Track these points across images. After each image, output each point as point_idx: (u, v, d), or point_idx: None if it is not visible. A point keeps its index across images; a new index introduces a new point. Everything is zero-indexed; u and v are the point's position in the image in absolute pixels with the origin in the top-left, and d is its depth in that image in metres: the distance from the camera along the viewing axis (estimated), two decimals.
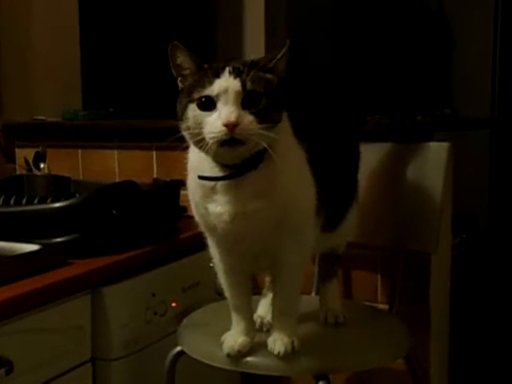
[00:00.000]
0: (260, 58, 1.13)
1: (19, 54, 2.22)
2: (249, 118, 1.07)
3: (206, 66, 1.12)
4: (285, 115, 1.15)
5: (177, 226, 1.74)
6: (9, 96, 2.18)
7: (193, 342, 1.38)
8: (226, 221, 1.15)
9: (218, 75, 1.09)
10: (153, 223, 1.65)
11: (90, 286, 1.41)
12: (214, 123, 1.06)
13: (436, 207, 1.50)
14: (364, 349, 1.33)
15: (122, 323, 1.46)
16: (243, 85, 1.08)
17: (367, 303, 1.70)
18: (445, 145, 1.52)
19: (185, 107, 1.10)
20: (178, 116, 1.12)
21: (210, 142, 1.07)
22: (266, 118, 1.08)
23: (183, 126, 1.11)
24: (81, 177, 2.09)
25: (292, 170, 1.17)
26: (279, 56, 1.12)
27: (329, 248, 1.42)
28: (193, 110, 1.09)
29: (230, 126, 1.05)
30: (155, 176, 1.97)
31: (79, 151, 2.13)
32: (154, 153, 2.02)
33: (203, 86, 1.09)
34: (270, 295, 1.40)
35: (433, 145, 1.54)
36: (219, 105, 1.07)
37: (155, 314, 1.55)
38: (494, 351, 2.28)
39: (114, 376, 1.45)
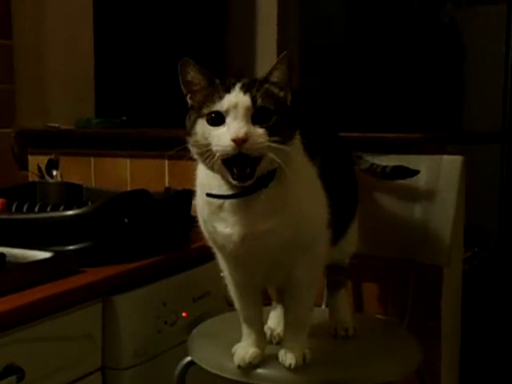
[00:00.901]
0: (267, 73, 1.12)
1: (33, 61, 2.24)
2: (258, 132, 1.06)
3: (217, 81, 1.11)
4: (296, 132, 1.14)
5: (188, 235, 1.74)
6: (23, 103, 2.20)
7: (203, 353, 1.37)
8: (236, 242, 1.13)
9: (228, 91, 1.08)
10: (164, 232, 1.65)
11: (102, 294, 1.41)
12: (223, 137, 1.05)
13: (449, 221, 1.49)
14: (375, 362, 1.32)
15: (133, 332, 1.45)
16: (253, 101, 1.07)
17: (378, 316, 1.69)
18: (458, 158, 1.52)
19: (194, 122, 1.10)
20: (186, 131, 1.11)
21: (217, 154, 1.06)
22: (277, 134, 1.07)
23: (191, 140, 1.10)
24: (93, 184, 2.10)
25: (304, 186, 1.16)
26: (275, 65, 1.11)
27: (333, 260, 1.39)
28: (202, 125, 1.08)
29: (239, 141, 1.04)
30: (167, 185, 1.97)
31: (92, 159, 2.14)
32: (166, 162, 2.02)
33: (213, 102, 1.08)
34: (279, 307, 1.40)
35: (446, 158, 1.54)
36: (228, 120, 1.06)
37: (165, 323, 1.55)
38: (505, 365, 2.26)
39: None
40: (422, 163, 1.56)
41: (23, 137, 2.20)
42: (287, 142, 1.09)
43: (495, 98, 3.04)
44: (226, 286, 1.30)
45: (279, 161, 1.06)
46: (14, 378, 1.16)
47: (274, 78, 1.11)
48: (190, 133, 1.10)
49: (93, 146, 2.14)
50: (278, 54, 2.52)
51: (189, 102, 1.14)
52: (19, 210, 1.69)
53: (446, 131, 1.93)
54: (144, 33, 2.56)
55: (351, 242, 1.43)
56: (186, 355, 1.41)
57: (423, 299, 1.67)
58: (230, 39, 2.80)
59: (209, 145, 1.07)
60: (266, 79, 1.11)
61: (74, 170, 2.08)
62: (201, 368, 1.35)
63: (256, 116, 1.07)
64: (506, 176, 3.01)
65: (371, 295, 1.76)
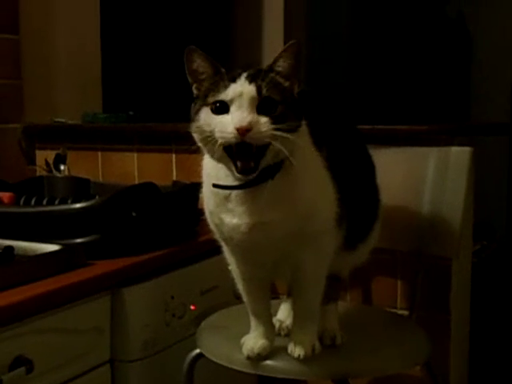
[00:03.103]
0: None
1: (40, 56, 2.24)
2: (263, 121, 1.04)
3: (223, 70, 1.10)
4: (304, 124, 1.13)
5: (195, 228, 1.74)
6: (30, 98, 2.20)
7: (211, 345, 1.37)
8: (243, 232, 1.13)
9: (233, 80, 1.07)
10: (172, 225, 1.65)
11: (110, 286, 1.41)
12: (226, 125, 1.04)
13: (458, 212, 1.48)
14: (383, 354, 1.32)
15: (141, 325, 1.46)
16: (259, 90, 1.06)
17: (387, 309, 1.69)
18: (467, 149, 1.51)
19: (198, 110, 1.09)
20: (190, 118, 1.10)
21: (219, 142, 1.04)
22: (281, 123, 1.05)
23: (193, 126, 1.09)
24: (100, 179, 2.10)
25: (311, 178, 1.15)
26: (280, 54, 1.09)
27: (335, 269, 1.33)
28: (206, 113, 1.07)
29: (242, 130, 1.03)
30: (174, 179, 1.97)
31: (99, 154, 2.14)
32: (174, 156, 2.02)
33: (218, 91, 1.07)
34: (289, 301, 1.39)
35: (455, 149, 1.53)
36: (232, 109, 1.05)
37: (174, 316, 1.55)
38: None
39: (133, 377, 1.45)
40: (431, 155, 1.56)
41: (31, 132, 2.20)
42: (292, 131, 1.07)
43: (503, 90, 3.03)
44: (233, 279, 1.29)
45: (285, 151, 1.05)
46: (23, 369, 1.16)
47: (279, 67, 1.10)
48: (193, 119, 1.09)
49: (100, 140, 2.14)
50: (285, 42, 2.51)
51: (194, 92, 1.12)
52: (27, 204, 1.69)
53: (455, 123, 1.92)
54: (150, 28, 2.56)
55: (369, 248, 1.38)
56: (195, 347, 1.41)
57: (432, 291, 1.66)
58: (236, 33, 2.80)
59: (211, 131, 1.05)
60: (270, 68, 1.10)
61: (82, 165, 2.08)
62: (209, 360, 1.35)
63: (261, 106, 1.06)
64: None
65: (380, 287, 1.75)
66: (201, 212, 1.71)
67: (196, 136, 1.10)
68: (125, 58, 2.44)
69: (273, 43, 2.63)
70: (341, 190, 1.20)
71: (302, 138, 1.12)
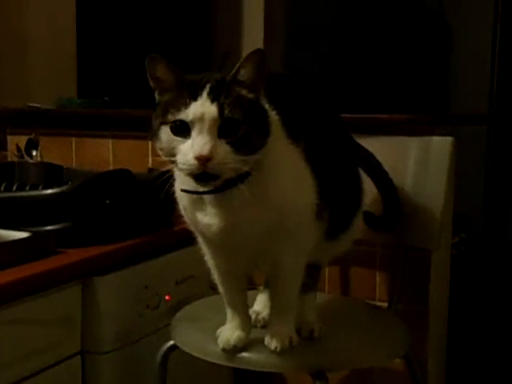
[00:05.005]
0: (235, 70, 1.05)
1: (15, 40, 2.20)
2: (224, 150, 1.00)
3: (187, 79, 1.05)
4: (276, 119, 1.10)
5: (171, 217, 1.70)
6: (3, 82, 2.16)
7: (186, 337, 1.34)
8: (215, 232, 1.11)
9: (195, 98, 1.02)
10: (147, 214, 1.61)
11: (81, 275, 1.37)
12: (187, 154, 1.00)
13: (439, 203, 1.47)
14: (362, 347, 1.30)
15: (113, 315, 1.43)
16: (221, 111, 1.01)
17: (366, 300, 1.67)
18: (449, 139, 1.50)
19: (158, 129, 1.04)
20: (152, 132, 1.06)
21: (183, 172, 1.02)
22: (245, 147, 1.02)
23: (157, 145, 1.05)
24: (74, 166, 2.05)
25: (285, 173, 1.11)
26: (241, 63, 1.04)
27: (315, 258, 1.31)
28: (166, 134, 1.03)
29: (203, 160, 0.99)
30: (150, 166, 1.93)
31: (73, 139, 2.10)
32: (150, 143, 1.97)
33: (178, 109, 1.02)
34: (266, 291, 1.36)
35: (436, 139, 1.52)
36: (193, 133, 1.01)
37: (147, 306, 1.52)
38: (492, 350, 2.26)
39: (104, 370, 1.42)
40: (412, 144, 1.54)
41: (3, 116, 2.15)
42: (255, 152, 1.04)
43: (482, 81, 3.03)
44: (209, 269, 1.27)
45: (234, 176, 1.02)
46: None
47: (242, 77, 1.04)
48: (154, 137, 1.05)
49: (74, 126, 2.10)
50: (265, 33, 2.48)
51: (157, 97, 1.08)
52: None
53: (435, 113, 1.90)
54: (127, 13, 2.51)
55: (351, 238, 1.35)
56: (169, 339, 1.38)
57: (411, 283, 1.65)
58: (216, 18, 2.75)
59: (174, 155, 1.02)
60: (234, 79, 1.04)
61: (55, 151, 2.04)
62: (184, 352, 1.32)
63: (223, 128, 1.01)
64: (492, 161, 2.99)
65: (359, 279, 1.74)
66: (176, 201, 1.69)
67: (161, 154, 1.06)
68: (100, 42, 2.40)
69: (253, 27, 2.59)
70: (321, 181, 1.17)
71: (275, 134, 1.08)
